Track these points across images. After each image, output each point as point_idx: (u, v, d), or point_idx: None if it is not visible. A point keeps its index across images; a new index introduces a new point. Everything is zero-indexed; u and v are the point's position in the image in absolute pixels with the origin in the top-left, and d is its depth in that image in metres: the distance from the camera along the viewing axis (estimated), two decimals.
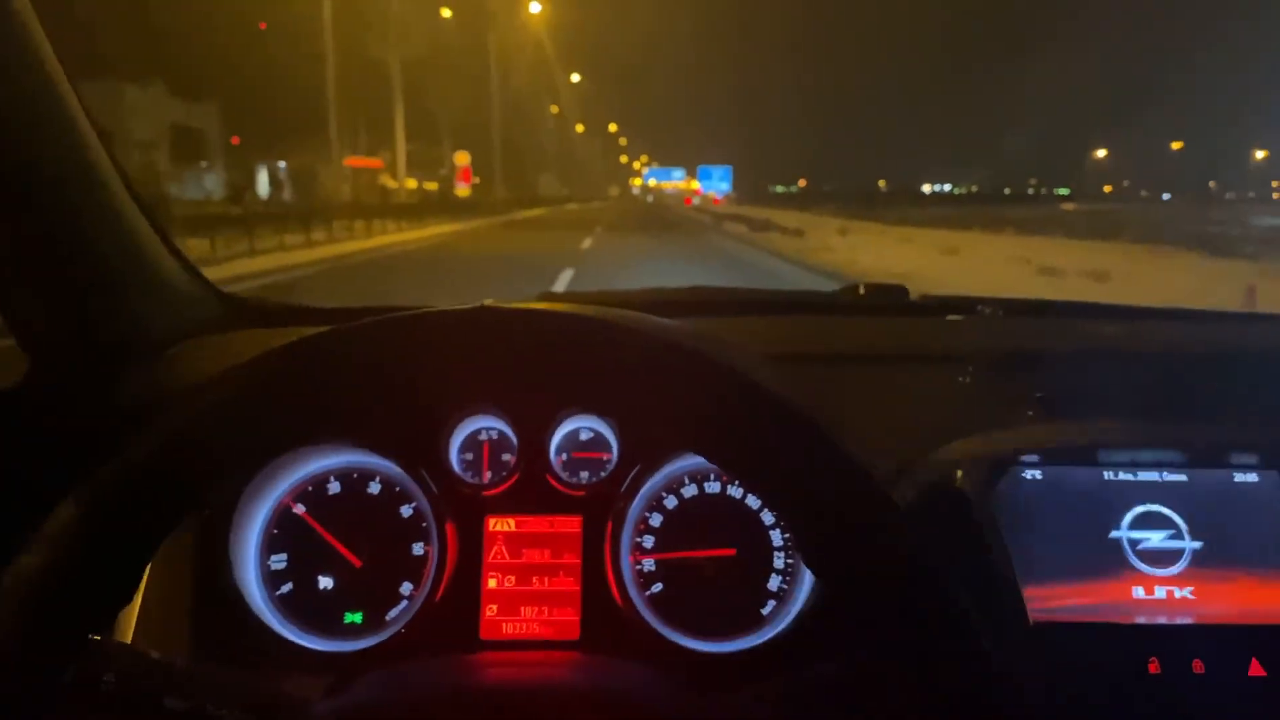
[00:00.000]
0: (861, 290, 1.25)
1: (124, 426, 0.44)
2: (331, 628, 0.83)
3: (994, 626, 0.45)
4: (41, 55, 0.76)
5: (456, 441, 0.88)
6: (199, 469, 0.46)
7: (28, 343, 0.85)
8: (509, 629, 0.84)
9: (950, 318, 1.13)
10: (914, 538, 0.45)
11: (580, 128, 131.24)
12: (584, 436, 0.89)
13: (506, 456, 0.88)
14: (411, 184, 45.27)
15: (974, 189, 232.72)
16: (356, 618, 0.84)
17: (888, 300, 1.22)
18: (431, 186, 51.91)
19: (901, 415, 0.88)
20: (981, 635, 0.44)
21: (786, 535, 0.86)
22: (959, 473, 0.81)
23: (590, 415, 0.88)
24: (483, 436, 0.88)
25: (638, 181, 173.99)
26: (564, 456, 0.89)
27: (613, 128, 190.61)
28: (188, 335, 0.96)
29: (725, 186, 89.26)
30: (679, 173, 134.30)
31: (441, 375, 0.47)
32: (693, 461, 0.87)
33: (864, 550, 0.45)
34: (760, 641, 0.83)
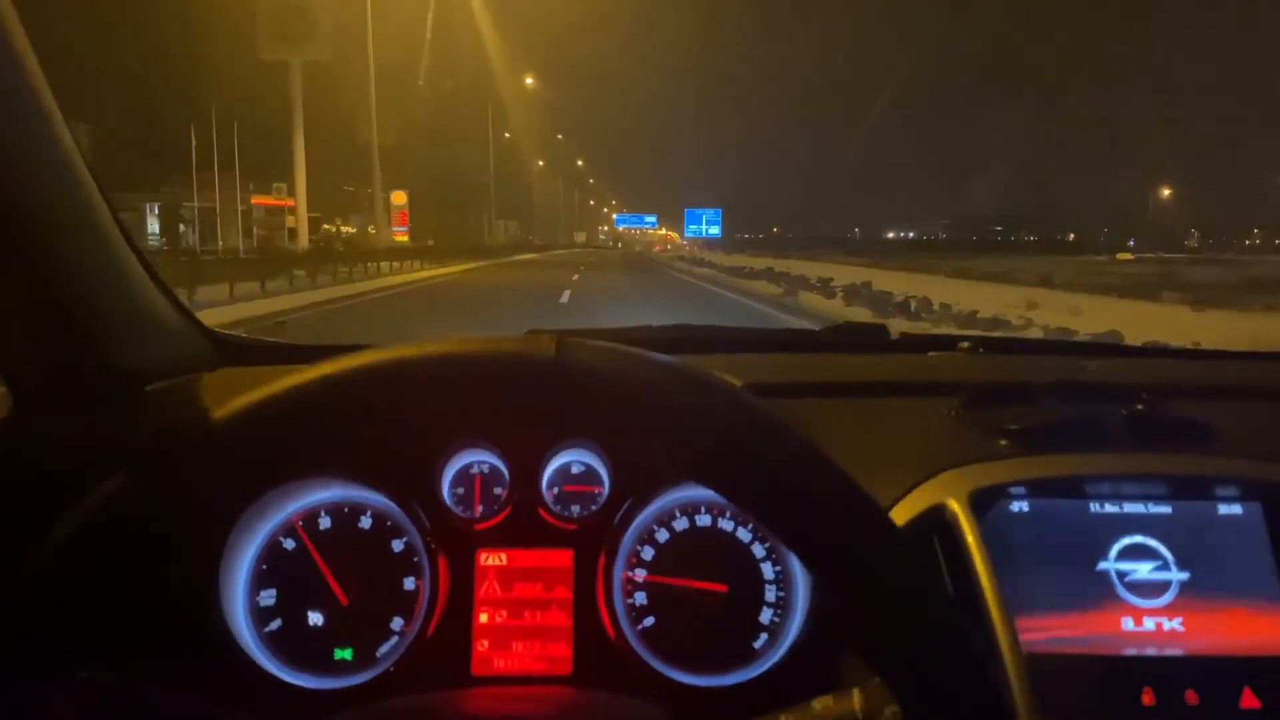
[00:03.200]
0: (843, 328, 1.28)
1: (109, 463, 0.45)
2: (321, 664, 0.82)
3: (988, 657, 0.45)
4: (36, 86, 0.75)
5: (448, 475, 0.87)
6: (188, 508, 0.46)
7: (11, 377, 0.84)
8: (501, 664, 0.83)
9: (932, 354, 1.14)
10: (920, 564, 0.46)
11: (540, 163, 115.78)
12: (575, 470, 0.89)
13: (498, 490, 0.87)
14: (327, 228, 35.99)
15: (942, 235, 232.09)
16: (347, 654, 0.83)
17: (870, 338, 1.22)
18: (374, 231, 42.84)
19: (888, 448, 0.88)
20: (986, 665, 0.45)
21: (778, 569, 0.86)
22: (948, 504, 0.81)
23: (582, 449, 0.87)
24: (474, 470, 0.88)
25: (605, 228, 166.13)
26: (555, 490, 0.88)
27: (579, 163, 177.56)
28: (175, 372, 0.96)
29: (715, 230, 79.54)
30: (650, 219, 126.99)
31: (443, 411, 0.47)
32: (684, 494, 0.87)
33: (872, 575, 0.45)
34: (753, 675, 0.83)
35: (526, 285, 21.23)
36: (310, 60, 25.21)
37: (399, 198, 36.31)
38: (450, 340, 0.47)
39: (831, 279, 17.98)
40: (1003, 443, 0.88)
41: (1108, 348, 1.16)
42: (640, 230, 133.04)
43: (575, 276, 24.24)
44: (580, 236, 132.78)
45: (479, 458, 0.88)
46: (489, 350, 0.47)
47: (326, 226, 43.22)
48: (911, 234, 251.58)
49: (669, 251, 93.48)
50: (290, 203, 32.84)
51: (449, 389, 0.46)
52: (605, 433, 0.50)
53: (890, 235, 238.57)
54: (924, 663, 0.44)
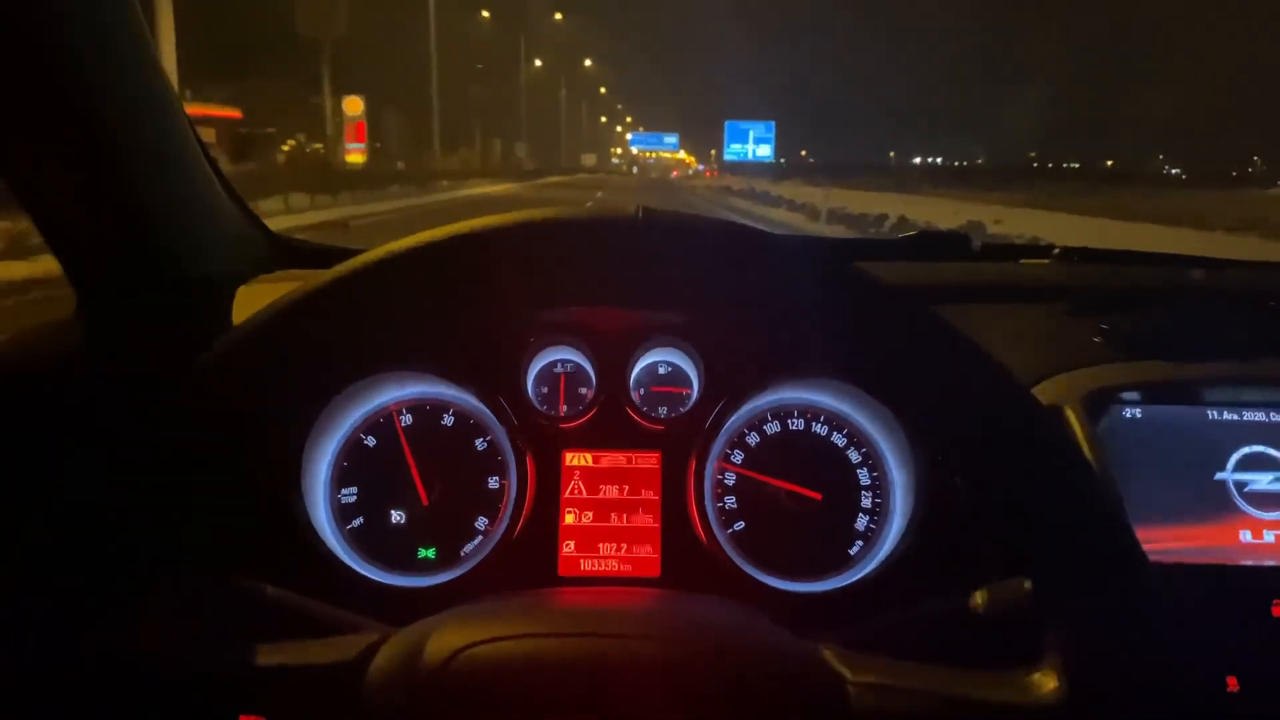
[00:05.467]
0: (926, 236, 1.22)
1: (183, 363, 0.45)
2: (405, 563, 0.81)
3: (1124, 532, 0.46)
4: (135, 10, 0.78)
5: (532, 373, 0.85)
6: (266, 402, 0.45)
7: (83, 279, 0.84)
8: (588, 565, 0.82)
9: (1025, 261, 1.10)
10: (1062, 434, 0.45)
11: (538, 62, 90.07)
12: (662, 370, 0.87)
13: (583, 390, 0.85)
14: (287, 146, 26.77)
15: (980, 161, 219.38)
16: (430, 553, 0.82)
17: (955, 247, 1.18)
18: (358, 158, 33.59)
19: (992, 352, 0.87)
20: (1144, 570, 0.44)
21: (874, 475, 0.84)
22: (1060, 408, 0.79)
23: (670, 347, 0.85)
24: (558, 369, 0.86)
25: (619, 150, 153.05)
26: (642, 390, 0.86)
27: (587, 63, 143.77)
28: (242, 273, 0.95)
29: (767, 152, 64.11)
30: (671, 139, 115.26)
31: (520, 275, 0.45)
32: (776, 397, 0.84)
33: (1014, 442, 0.45)
34: (849, 582, 0.80)
35: None
36: None
37: (353, 106, 27.25)
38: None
39: None
40: (1113, 348, 0.85)
41: (1210, 260, 1.12)
42: (657, 154, 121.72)
43: None
44: (589, 159, 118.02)
45: (563, 355, 0.86)
46: (566, 215, 0.45)
47: (287, 144, 33.52)
48: (939, 159, 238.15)
49: (694, 179, 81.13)
50: (235, 113, 23.54)
51: (525, 254, 0.44)
52: (692, 298, 0.47)
53: (917, 160, 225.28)
54: (1065, 532, 0.44)
